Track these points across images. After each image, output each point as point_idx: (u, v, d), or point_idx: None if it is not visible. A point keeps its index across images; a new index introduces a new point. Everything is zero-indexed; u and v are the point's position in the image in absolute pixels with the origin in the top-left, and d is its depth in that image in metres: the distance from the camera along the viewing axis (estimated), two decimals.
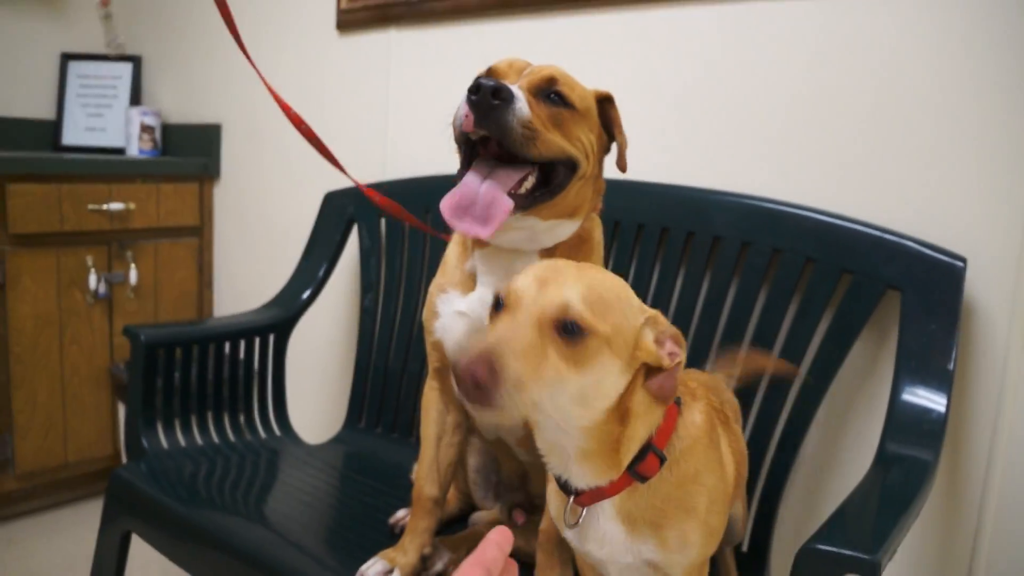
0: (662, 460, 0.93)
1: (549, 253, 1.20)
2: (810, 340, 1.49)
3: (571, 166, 1.13)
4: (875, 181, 1.50)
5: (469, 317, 1.22)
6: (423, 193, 1.95)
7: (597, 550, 0.98)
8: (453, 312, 1.24)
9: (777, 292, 1.52)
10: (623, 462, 0.91)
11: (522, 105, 1.05)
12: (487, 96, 1.03)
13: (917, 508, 1.11)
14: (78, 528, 2.42)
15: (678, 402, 0.96)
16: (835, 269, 1.47)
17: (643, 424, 0.91)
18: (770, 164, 1.61)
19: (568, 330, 0.81)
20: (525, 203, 1.10)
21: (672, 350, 0.89)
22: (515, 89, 1.05)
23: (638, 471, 0.92)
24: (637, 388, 0.89)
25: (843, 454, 1.55)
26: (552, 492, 1.03)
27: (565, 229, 1.20)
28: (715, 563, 1.39)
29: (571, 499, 0.95)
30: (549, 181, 1.12)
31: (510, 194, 1.08)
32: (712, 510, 0.98)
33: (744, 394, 1.46)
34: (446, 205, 1.09)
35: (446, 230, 1.33)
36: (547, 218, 1.15)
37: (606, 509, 0.95)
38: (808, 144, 1.56)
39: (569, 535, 1.00)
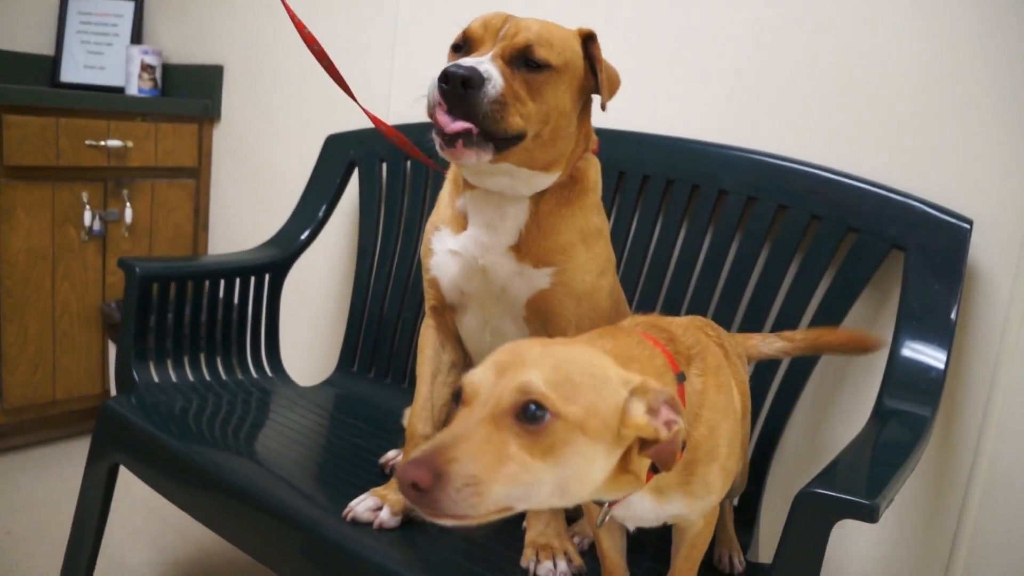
0: (683, 447, 0.88)
1: (538, 196, 1.20)
2: (811, 297, 1.48)
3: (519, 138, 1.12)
4: (884, 140, 1.48)
5: (462, 256, 1.22)
6: (427, 139, 1.92)
7: (627, 516, 0.98)
8: (447, 250, 1.24)
9: (780, 248, 1.51)
10: (641, 477, 0.85)
11: (493, 84, 1.06)
12: (456, 85, 1.04)
13: (914, 461, 1.11)
14: (65, 466, 2.41)
15: (681, 378, 0.93)
16: (840, 227, 1.45)
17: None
18: (779, 120, 1.59)
19: (529, 417, 0.73)
20: (500, 148, 1.10)
21: (669, 418, 0.79)
22: (485, 69, 1.05)
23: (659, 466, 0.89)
24: (633, 458, 0.82)
25: (838, 411, 1.55)
26: None
27: (543, 180, 1.19)
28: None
29: (606, 506, 0.93)
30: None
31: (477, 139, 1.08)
32: (731, 453, 0.98)
33: None
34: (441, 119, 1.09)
35: (447, 167, 1.32)
36: (520, 165, 1.15)
37: (637, 498, 0.94)
38: (818, 101, 1.54)
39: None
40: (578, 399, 0.75)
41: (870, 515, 0.89)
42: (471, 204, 1.22)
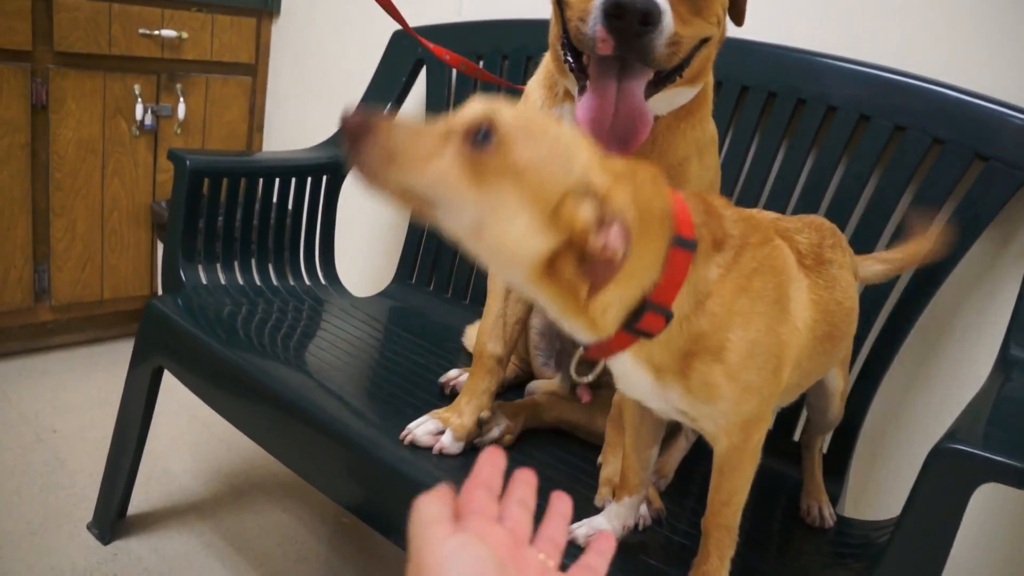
0: (666, 316, 0.80)
1: (657, 120, 1.05)
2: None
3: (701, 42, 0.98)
4: (1020, 57, 1.30)
5: None
6: (504, 38, 1.78)
7: (629, 390, 0.91)
8: None
9: (894, 174, 1.36)
10: (600, 323, 0.80)
11: (668, 21, 0.89)
12: (633, 23, 0.87)
13: None
14: (111, 366, 2.35)
15: (691, 248, 0.81)
16: (966, 153, 1.29)
17: (620, 288, 0.78)
18: (898, 29, 1.41)
19: (477, 138, 0.71)
20: (651, 92, 0.97)
21: (613, 242, 0.70)
22: (663, 2, 0.89)
23: (638, 328, 0.80)
24: (566, 265, 0.74)
25: (945, 359, 1.41)
26: None
27: (686, 95, 1.05)
28: (799, 460, 1.27)
29: (580, 350, 0.86)
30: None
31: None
32: (748, 364, 0.85)
33: None
34: (584, 120, 0.94)
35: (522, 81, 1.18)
36: (668, 88, 1.00)
37: (627, 360, 0.85)
38: (944, 9, 1.36)
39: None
40: (528, 149, 0.72)
41: (1021, 480, 0.76)
42: (571, 117, 1.05)
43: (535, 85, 1.14)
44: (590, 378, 0.93)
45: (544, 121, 0.75)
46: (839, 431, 1.34)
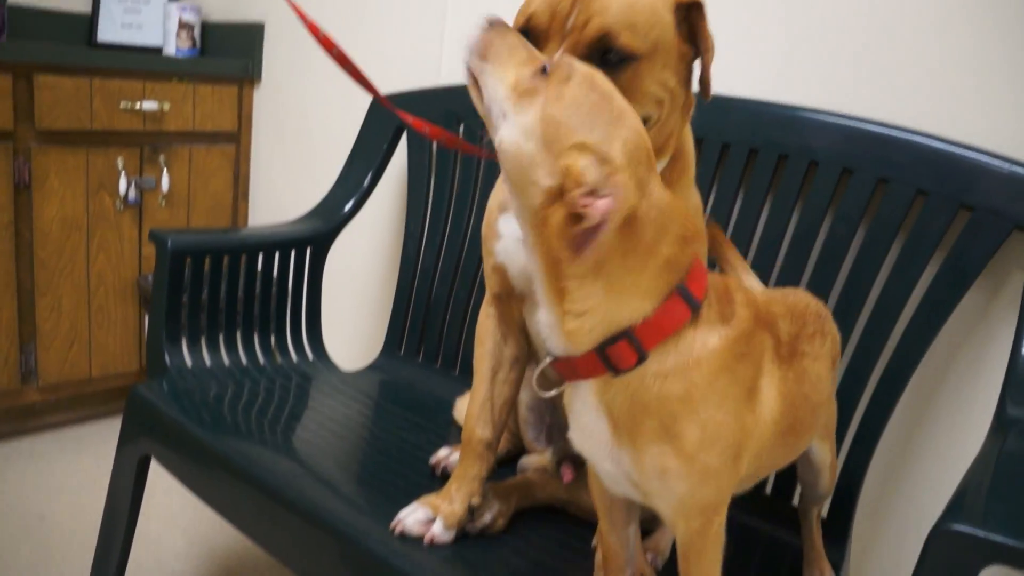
0: (640, 355, 0.78)
1: None
2: (914, 285, 1.31)
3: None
4: (1002, 104, 1.29)
5: None
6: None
7: (581, 440, 0.88)
8: (518, 236, 1.07)
9: (880, 227, 1.34)
10: (574, 328, 0.79)
11: None
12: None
13: None
14: (101, 446, 2.32)
15: (694, 307, 0.80)
16: (951, 204, 1.27)
17: (605, 300, 0.77)
18: (879, 81, 1.40)
19: (543, 69, 0.80)
20: None
21: (604, 204, 0.72)
22: None
23: (607, 354, 0.79)
24: (554, 218, 0.75)
25: (940, 417, 1.38)
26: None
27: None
28: (798, 527, 1.24)
29: (547, 359, 0.85)
30: None
31: None
32: (707, 448, 0.81)
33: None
34: None
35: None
36: None
37: (588, 396, 0.83)
38: (923, 60, 1.35)
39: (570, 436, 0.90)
40: (574, 92, 0.78)
41: None
42: None
43: None
44: (552, 393, 0.89)
45: (608, 88, 0.80)
46: (838, 496, 1.31)
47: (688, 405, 0.80)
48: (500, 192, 1.12)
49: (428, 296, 1.82)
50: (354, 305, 2.30)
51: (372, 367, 1.84)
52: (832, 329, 1.09)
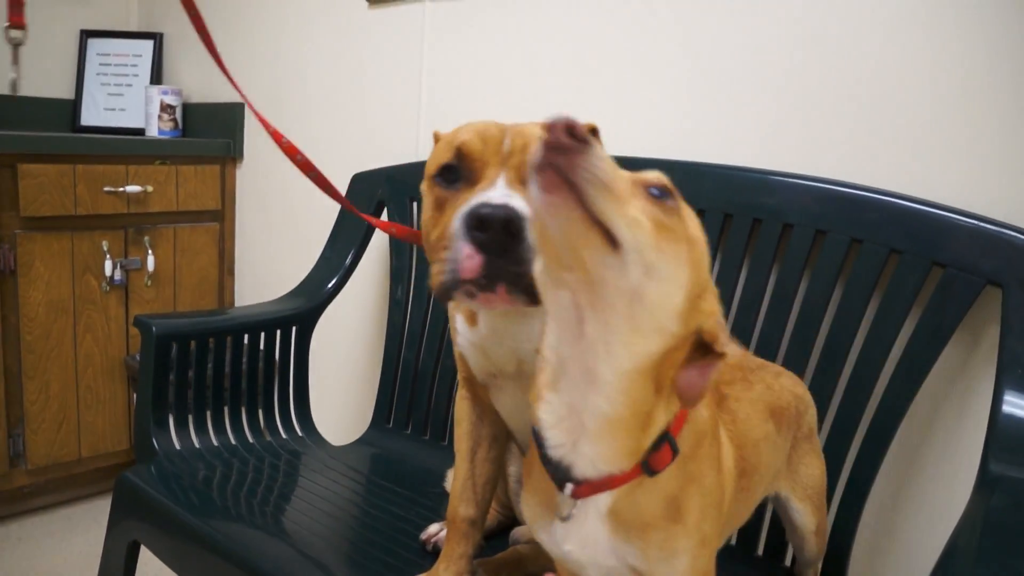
0: (675, 453, 0.75)
1: None
2: (893, 342, 1.32)
3: None
4: (972, 163, 1.32)
5: (481, 347, 1.06)
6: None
7: (579, 551, 0.81)
8: (467, 341, 1.08)
9: (856, 287, 1.36)
10: (645, 445, 0.73)
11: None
12: (500, 232, 0.81)
13: None
14: (92, 527, 2.30)
15: None
16: (924, 262, 1.30)
17: (666, 407, 0.74)
18: (849, 143, 1.44)
19: (658, 192, 0.66)
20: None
21: (733, 349, 0.69)
22: (520, 207, 0.82)
23: (650, 463, 0.74)
24: (677, 362, 0.70)
25: (926, 473, 1.39)
26: (531, 491, 0.84)
27: None
28: None
29: (569, 487, 0.76)
30: None
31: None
32: (706, 516, 0.81)
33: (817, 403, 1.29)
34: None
35: None
36: None
37: (599, 506, 0.77)
38: (892, 122, 1.39)
39: (543, 537, 0.83)
40: (695, 224, 0.70)
41: None
42: (484, 319, 1.04)
43: None
44: (567, 518, 0.83)
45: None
46: (829, 556, 1.31)
47: (699, 480, 0.80)
48: None
49: (415, 367, 1.83)
50: (342, 379, 2.30)
51: (361, 440, 1.84)
52: (757, 379, 1.10)
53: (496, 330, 1.02)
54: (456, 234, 0.84)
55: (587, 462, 0.74)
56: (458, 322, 1.11)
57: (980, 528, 0.97)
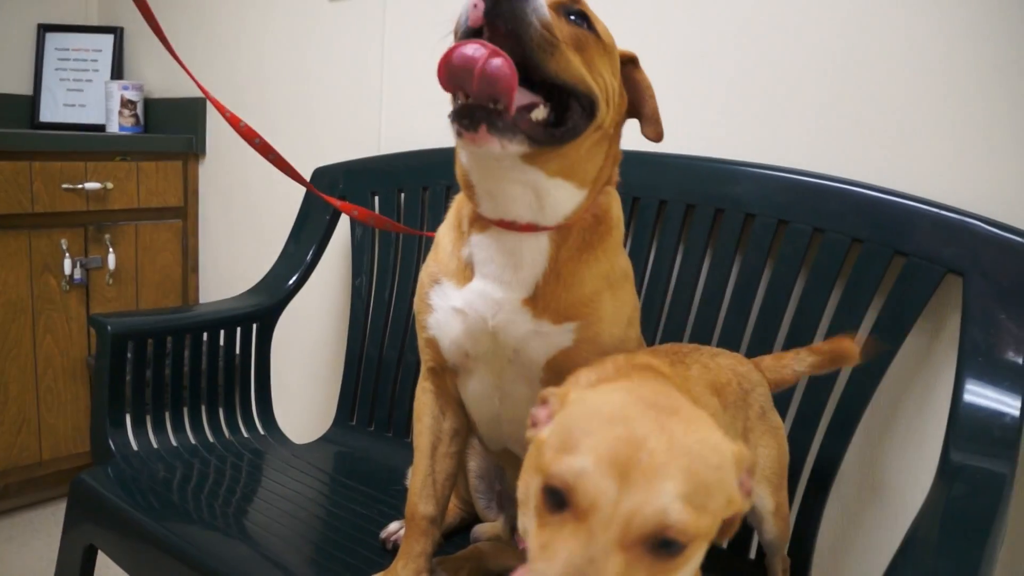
0: None
1: (561, 235, 1.01)
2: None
3: (589, 107, 0.93)
4: (932, 152, 1.32)
5: (468, 316, 1.03)
6: (421, 168, 1.78)
7: None
8: (449, 307, 1.06)
9: (818, 277, 1.35)
10: None
11: (542, 3, 0.85)
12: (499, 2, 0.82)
13: (1000, 533, 0.94)
14: (54, 531, 2.26)
15: None
16: (886, 251, 1.29)
17: None
18: (810, 133, 1.43)
19: (664, 548, 0.59)
20: (533, 134, 0.88)
21: (748, 485, 0.69)
22: None
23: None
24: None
25: (890, 461, 1.38)
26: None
27: (571, 196, 0.99)
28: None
29: None
30: (562, 122, 0.91)
31: (514, 122, 0.86)
32: None
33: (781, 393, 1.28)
34: (439, 64, 0.85)
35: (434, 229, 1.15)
36: (552, 174, 0.95)
37: None
38: (853, 110, 1.38)
39: None
40: (709, 505, 0.62)
41: None
42: (480, 248, 1.02)
43: (445, 230, 1.11)
44: None
45: (695, 444, 0.63)
46: (794, 546, 1.30)
47: None
48: (432, 263, 1.11)
49: (378, 363, 1.81)
50: (305, 376, 2.27)
51: (324, 438, 1.82)
52: (746, 372, 1.11)
53: (495, 266, 1.01)
54: (463, 12, 0.85)
55: None
56: (436, 296, 1.08)
57: (940, 518, 0.96)
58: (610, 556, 0.56)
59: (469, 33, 0.85)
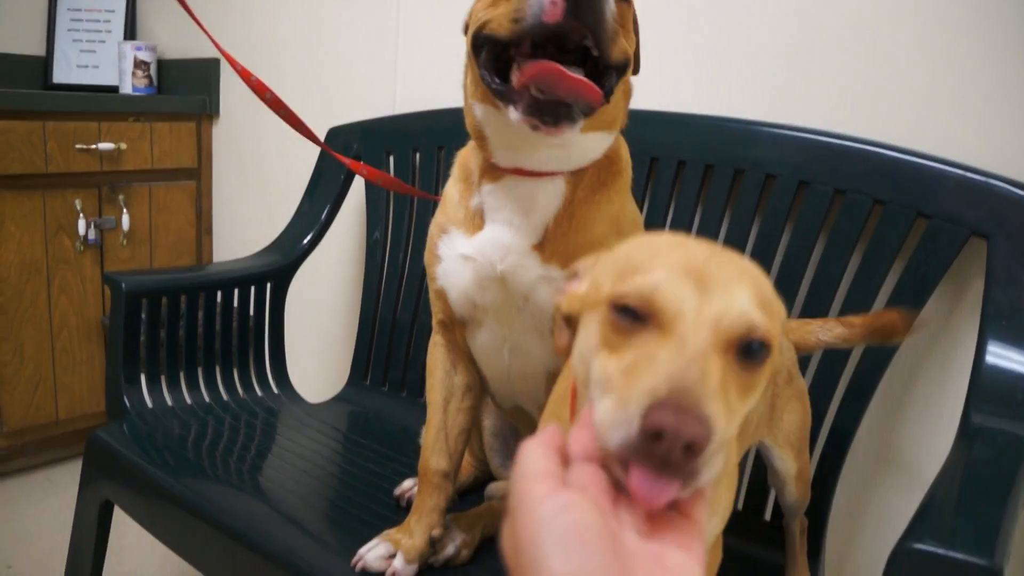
0: None
1: (577, 177, 1.01)
2: (876, 295, 1.30)
3: (623, 68, 0.95)
4: (956, 113, 1.30)
5: (476, 262, 1.03)
6: (436, 128, 1.76)
7: None
8: (457, 255, 1.06)
9: (839, 239, 1.33)
10: None
11: None
12: None
13: (1021, 493, 0.93)
14: (70, 489, 2.24)
15: None
16: (909, 213, 1.27)
17: None
18: (833, 93, 1.41)
19: (751, 354, 0.54)
20: (587, 111, 0.90)
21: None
22: None
23: None
24: None
25: (907, 428, 1.37)
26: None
27: (601, 143, 1.02)
28: (772, 543, 1.23)
29: None
30: (601, 85, 0.91)
31: (579, 109, 0.89)
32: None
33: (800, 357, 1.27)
34: (532, 68, 0.86)
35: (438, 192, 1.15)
36: (587, 130, 0.96)
37: None
38: (877, 71, 1.36)
39: None
40: (776, 317, 0.57)
41: None
42: (493, 197, 1.02)
43: (451, 186, 1.11)
44: None
45: (751, 265, 0.59)
46: (810, 508, 1.29)
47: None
48: (440, 215, 1.10)
49: (392, 323, 1.80)
50: (319, 336, 2.27)
51: (338, 398, 1.82)
52: None
53: (507, 212, 1.02)
54: None
55: None
56: (444, 245, 1.08)
57: (961, 480, 0.95)
58: (709, 357, 0.52)
59: (538, 24, 0.84)
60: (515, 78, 0.89)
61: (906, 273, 1.28)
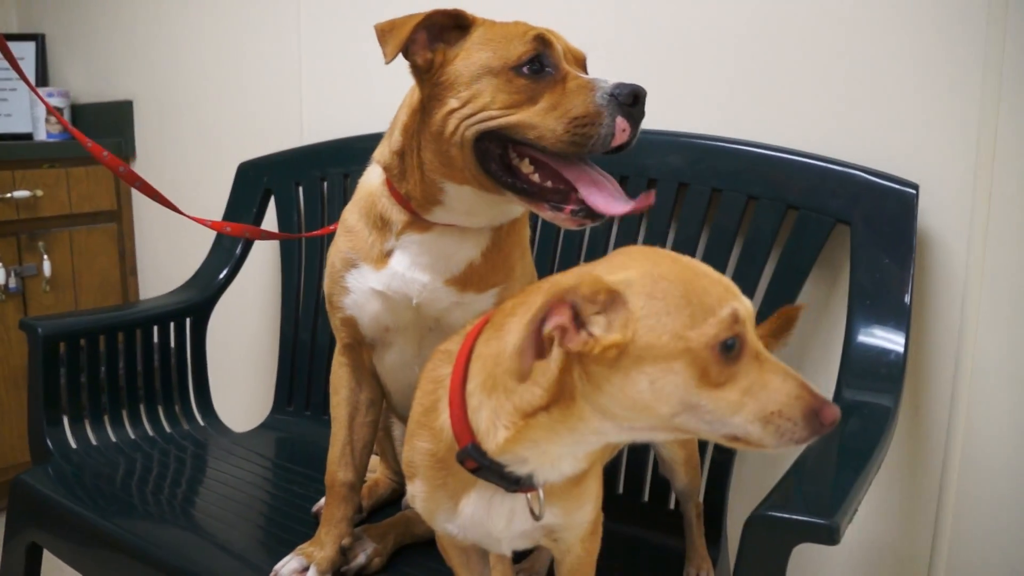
0: None
1: (499, 227, 1.11)
2: (757, 282, 1.38)
3: None
4: (816, 110, 1.38)
5: (388, 296, 1.10)
6: (344, 155, 1.81)
7: (504, 524, 0.84)
8: (368, 289, 1.11)
9: (719, 234, 1.41)
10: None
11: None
12: (642, 106, 0.98)
13: (878, 459, 1.01)
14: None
15: None
16: (779, 205, 1.36)
17: None
18: (704, 98, 1.49)
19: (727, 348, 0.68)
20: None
21: None
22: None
23: None
24: None
25: None
26: (433, 487, 0.86)
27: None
28: (678, 531, 1.30)
29: (540, 491, 0.81)
30: None
31: None
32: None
33: None
34: (618, 208, 0.99)
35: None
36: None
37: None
38: (743, 75, 1.44)
39: (448, 525, 0.86)
40: None
41: (830, 537, 0.79)
42: (417, 247, 1.09)
43: (356, 219, 1.14)
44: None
45: None
46: (709, 494, 1.37)
47: None
48: (346, 246, 1.14)
49: (311, 349, 1.85)
50: (243, 366, 2.30)
51: (264, 425, 1.86)
52: None
53: (430, 256, 1.09)
54: (602, 109, 0.95)
55: (558, 475, 0.80)
56: (353, 279, 1.13)
57: (833, 451, 1.02)
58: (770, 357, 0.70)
59: (607, 142, 0.97)
60: (536, 176, 1.00)
61: (781, 263, 1.36)
